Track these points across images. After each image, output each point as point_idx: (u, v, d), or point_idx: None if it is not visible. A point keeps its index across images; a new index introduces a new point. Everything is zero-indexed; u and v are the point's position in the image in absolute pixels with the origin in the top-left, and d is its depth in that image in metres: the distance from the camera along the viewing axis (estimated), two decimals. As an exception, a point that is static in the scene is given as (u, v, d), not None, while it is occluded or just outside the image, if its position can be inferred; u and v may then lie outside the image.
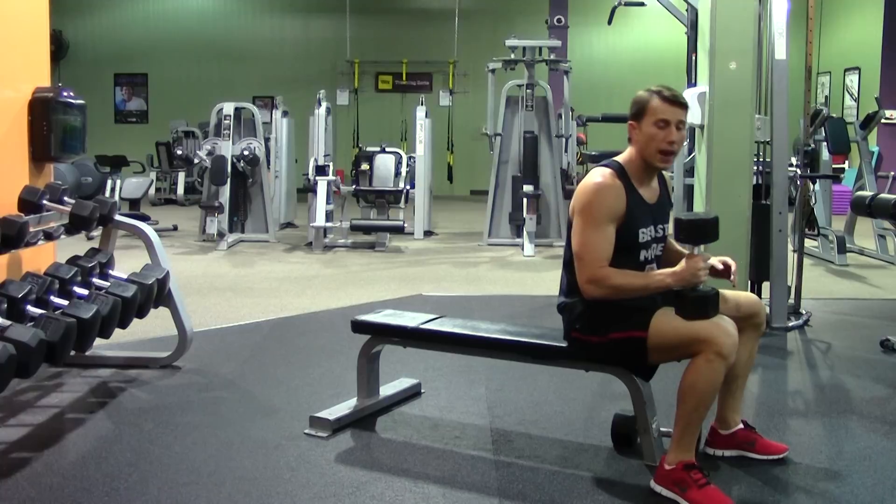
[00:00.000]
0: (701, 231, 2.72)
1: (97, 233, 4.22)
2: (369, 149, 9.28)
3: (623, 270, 2.72)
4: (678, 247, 2.97)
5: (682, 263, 2.69)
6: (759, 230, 4.83)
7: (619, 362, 2.82)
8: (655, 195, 2.88)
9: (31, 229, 3.52)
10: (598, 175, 2.77)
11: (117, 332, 3.63)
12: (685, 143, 5.35)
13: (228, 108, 8.98)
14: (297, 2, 15.96)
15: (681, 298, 2.63)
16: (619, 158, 2.84)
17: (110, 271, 3.96)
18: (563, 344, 2.88)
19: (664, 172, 2.94)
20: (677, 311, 2.63)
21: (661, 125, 2.73)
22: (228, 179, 8.73)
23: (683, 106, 2.79)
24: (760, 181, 5.01)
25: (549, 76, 10.60)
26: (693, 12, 5.22)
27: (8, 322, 2.97)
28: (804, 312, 5.07)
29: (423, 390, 3.64)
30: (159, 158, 13.15)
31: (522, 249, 8.41)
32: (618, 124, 9.09)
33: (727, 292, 2.87)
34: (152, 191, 11.98)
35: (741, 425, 2.95)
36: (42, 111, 3.96)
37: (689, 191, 5.10)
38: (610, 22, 7.78)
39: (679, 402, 2.61)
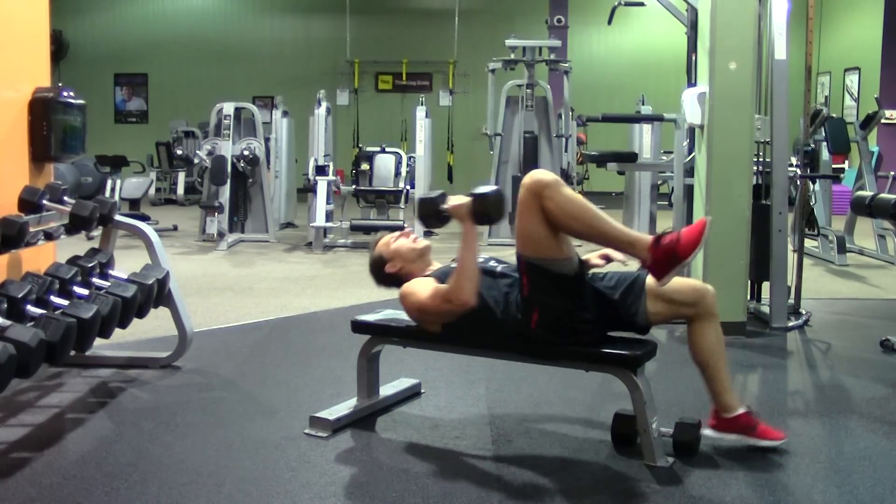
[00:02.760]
0: (425, 209, 3.00)
1: (97, 233, 4.22)
2: (369, 149, 9.29)
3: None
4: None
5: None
6: (759, 230, 4.83)
7: (564, 296, 2.85)
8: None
9: (31, 229, 3.52)
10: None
11: (117, 332, 3.62)
12: (685, 143, 5.35)
13: (228, 108, 8.98)
14: (297, 2, 15.97)
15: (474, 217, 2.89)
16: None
17: (110, 271, 3.96)
18: (562, 344, 2.89)
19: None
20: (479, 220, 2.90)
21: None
22: (228, 179, 8.73)
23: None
24: (760, 181, 5.02)
25: (549, 76, 10.60)
26: (693, 12, 5.21)
27: (8, 322, 2.97)
28: (804, 312, 5.07)
29: (423, 390, 3.64)
30: (159, 158, 13.16)
31: (522, 249, 8.40)
32: (618, 124, 9.16)
33: (673, 283, 2.87)
34: (152, 191, 12.00)
35: (743, 409, 2.95)
36: (42, 111, 3.96)
37: (689, 191, 5.09)
38: (610, 22, 7.78)
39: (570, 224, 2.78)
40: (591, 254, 3.05)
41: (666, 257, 2.69)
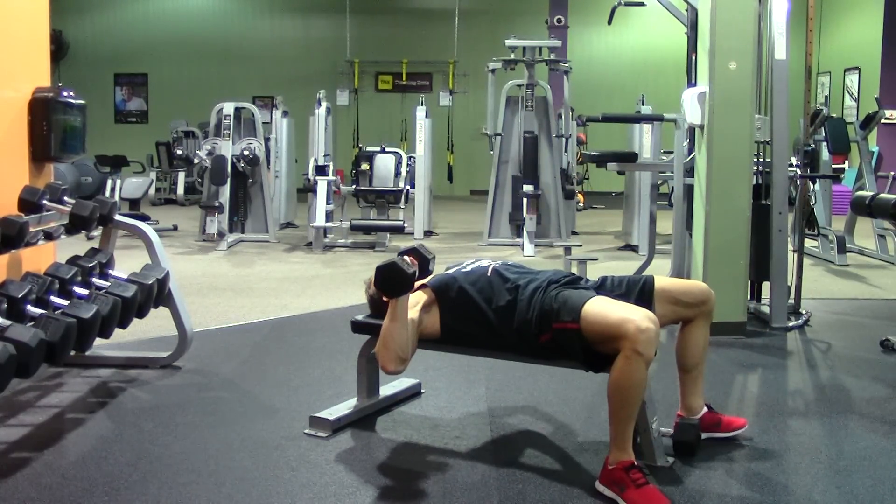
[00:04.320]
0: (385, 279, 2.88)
1: (97, 233, 4.22)
2: (369, 149, 9.28)
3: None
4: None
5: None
6: (759, 230, 4.83)
7: (576, 354, 2.80)
8: None
9: (31, 229, 3.52)
10: None
11: (117, 332, 3.63)
12: (685, 143, 5.34)
13: (228, 108, 8.98)
14: (297, 2, 15.97)
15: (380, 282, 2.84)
16: None
17: (110, 271, 3.96)
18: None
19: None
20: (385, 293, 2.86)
21: None
22: (228, 179, 8.73)
23: None
24: (760, 181, 5.02)
25: (549, 76, 10.61)
26: (693, 12, 5.21)
27: (8, 322, 2.97)
28: (804, 312, 5.07)
29: (423, 390, 3.64)
30: (159, 158, 13.17)
31: (522, 249, 8.41)
32: (618, 124, 9.16)
33: (675, 281, 3.05)
34: (152, 191, 12.01)
35: (705, 409, 3.05)
36: (42, 111, 3.96)
37: (689, 191, 5.09)
38: (610, 22, 7.77)
39: (608, 400, 2.66)
40: None
41: (609, 482, 2.62)
